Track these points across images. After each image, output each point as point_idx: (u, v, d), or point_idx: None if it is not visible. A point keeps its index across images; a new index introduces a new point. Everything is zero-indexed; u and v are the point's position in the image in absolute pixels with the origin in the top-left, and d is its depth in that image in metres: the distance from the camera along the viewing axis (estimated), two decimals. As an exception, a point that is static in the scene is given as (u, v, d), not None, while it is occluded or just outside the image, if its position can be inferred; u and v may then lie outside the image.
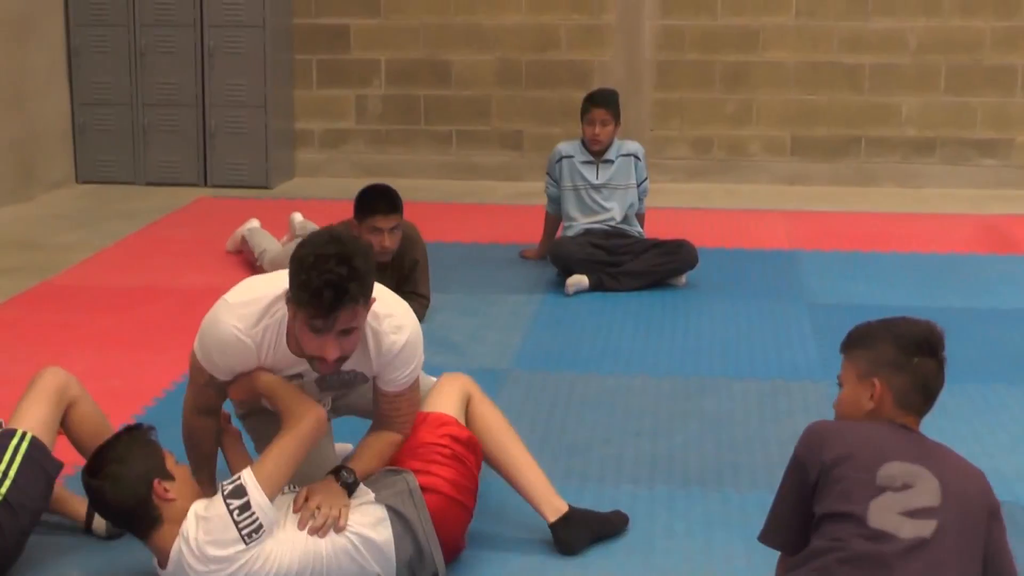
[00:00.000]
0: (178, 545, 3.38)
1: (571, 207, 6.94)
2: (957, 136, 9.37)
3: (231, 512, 3.35)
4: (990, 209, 8.69)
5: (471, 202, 8.93)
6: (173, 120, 9.29)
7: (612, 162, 6.92)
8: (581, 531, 3.90)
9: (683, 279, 6.81)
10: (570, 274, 6.72)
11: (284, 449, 3.48)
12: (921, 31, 9.24)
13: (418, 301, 6.04)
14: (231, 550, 3.34)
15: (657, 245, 6.82)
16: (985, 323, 6.17)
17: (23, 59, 8.72)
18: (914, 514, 2.90)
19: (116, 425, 4.69)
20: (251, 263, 7.01)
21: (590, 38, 9.46)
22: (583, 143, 6.96)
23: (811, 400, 5.19)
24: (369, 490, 3.60)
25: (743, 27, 9.35)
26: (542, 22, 9.47)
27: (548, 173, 7.06)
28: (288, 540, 3.43)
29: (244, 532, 3.34)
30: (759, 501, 4.24)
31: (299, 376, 3.65)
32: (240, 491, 3.38)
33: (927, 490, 2.93)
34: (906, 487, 2.93)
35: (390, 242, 5.78)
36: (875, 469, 2.95)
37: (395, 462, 3.72)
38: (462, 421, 3.83)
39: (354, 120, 9.64)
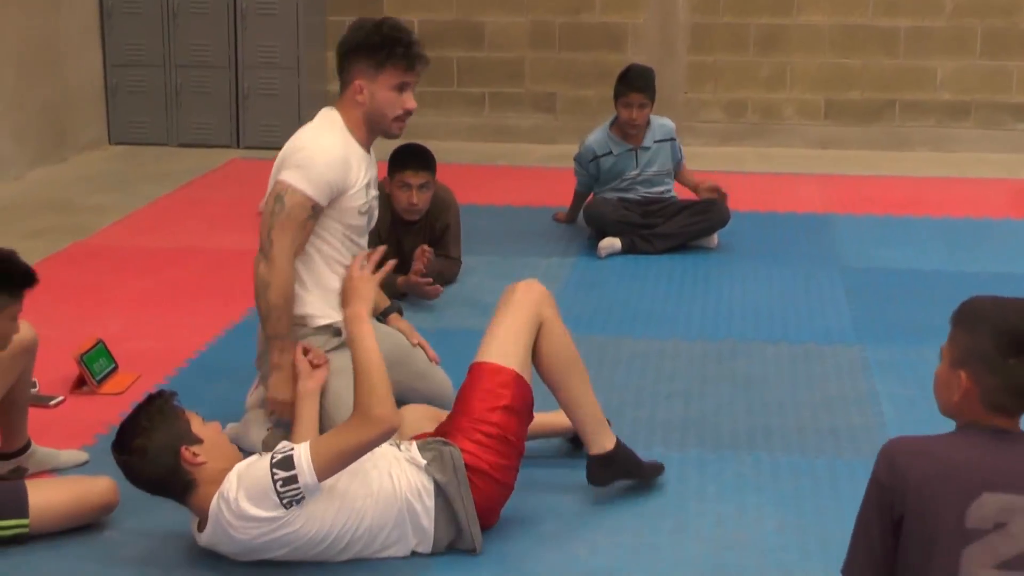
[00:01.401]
0: (216, 503, 3.38)
1: (609, 192, 6.88)
2: (992, 100, 9.29)
3: (275, 483, 3.33)
4: (1025, 174, 8.64)
5: (504, 164, 8.92)
6: (206, 82, 9.30)
7: (649, 149, 6.81)
8: (610, 470, 3.96)
9: (715, 240, 6.79)
10: (603, 236, 6.70)
11: (348, 441, 3.41)
12: (958, -6, 9.17)
13: (448, 263, 6.05)
14: (270, 513, 3.35)
15: (688, 206, 6.80)
16: (1020, 288, 6.13)
17: (56, 21, 8.73)
18: (1010, 564, 2.58)
19: (152, 383, 4.74)
20: (284, 225, 7.01)
21: (624, 0, 9.41)
22: (611, 131, 6.83)
23: (843, 364, 5.18)
24: (419, 454, 3.59)
25: (778, -11, 9.29)
26: (575, -16, 9.43)
27: (580, 164, 6.95)
28: (332, 500, 3.43)
29: (284, 501, 3.34)
30: (791, 465, 4.26)
31: (369, 184, 4.15)
32: (288, 463, 3.35)
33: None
34: (999, 527, 2.60)
35: (419, 199, 5.81)
36: (965, 508, 2.60)
37: (443, 428, 3.72)
38: (527, 363, 3.80)
39: (386, 82, 9.61)
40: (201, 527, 3.48)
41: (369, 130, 4.17)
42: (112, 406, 4.66)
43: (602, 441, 3.94)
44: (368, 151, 4.22)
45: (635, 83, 6.72)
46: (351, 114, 4.14)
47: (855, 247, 6.87)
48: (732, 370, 5.11)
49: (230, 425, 4.31)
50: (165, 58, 9.28)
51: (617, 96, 6.74)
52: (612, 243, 6.67)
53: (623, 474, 3.99)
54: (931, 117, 9.36)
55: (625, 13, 9.43)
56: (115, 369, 4.94)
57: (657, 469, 4.08)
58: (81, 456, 4.22)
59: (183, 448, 3.41)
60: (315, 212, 4.06)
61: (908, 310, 5.81)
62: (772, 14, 9.32)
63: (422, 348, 4.56)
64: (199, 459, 3.42)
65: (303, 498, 3.35)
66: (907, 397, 4.76)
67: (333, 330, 4.20)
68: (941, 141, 9.35)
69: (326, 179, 4.03)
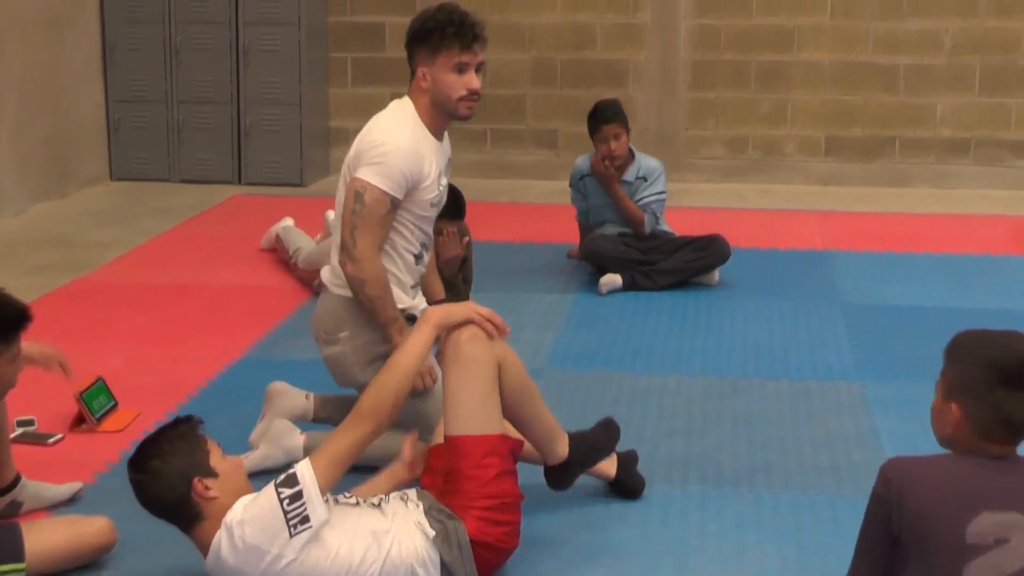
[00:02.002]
0: (219, 534, 3.35)
1: (604, 215, 6.90)
2: (991, 137, 9.32)
3: (281, 501, 3.30)
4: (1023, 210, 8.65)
5: (505, 201, 8.93)
6: (208, 117, 9.33)
7: (630, 184, 6.78)
8: (569, 473, 4.01)
9: (716, 276, 6.80)
10: (604, 272, 6.71)
11: (342, 442, 3.44)
12: (956, 31, 9.20)
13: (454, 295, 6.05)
14: (272, 541, 3.30)
15: (689, 242, 6.80)
16: (1018, 324, 6.09)
17: (58, 56, 8.77)
18: None
19: (153, 420, 4.73)
20: (285, 261, 7.03)
21: (625, 37, 9.45)
22: (592, 166, 6.81)
23: (844, 401, 5.17)
24: (427, 521, 3.53)
25: (778, 27, 9.32)
26: (577, 21, 9.46)
27: (572, 187, 7.00)
28: (337, 559, 3.38)
29: (291, 522, 3.29)
30: (792, 502, 4.25)
31: (441, 174, 4.25)
32: (292, 480, 3.33)
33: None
34: (1000, 543, 2.65)
35: (457, 249, 5.66)
36: (964, 526, 2.66)
37: (446, 498, 3.64)
38: (500, 415, 3.72)
39: (388, 118, 9.64)
40: (205, 556, 3.44)
41: (439, 116, 4.24)
42: (111, 444, 4.66)
43: (557, 451, 3.97)
44: (440, 139, 4.30)
45: (604, 115, 6.71)
46: (420, 102, 4.22)
47: (856, 283, 6.87)
48: (733, 407, 5.11)
49: (250, 453, 4.32)
50: (167, 94, 9.32)
51: (592, 134, 6.75)
52: (613, 279, 6.67)
53: (581, 470, 4.04)
54: (931, 154, 9.38)
55: (627, 50, 9.46)
56: (115, 407, 4.93)
57: (611, 432, 4.13)
58: (75, 486, 4.20)
59: (196, 480, 3.37)
60: (394, 207, 4.15)
61: (908, 346, 5.80)
62: (773, 51, 9.35)
63: None
64: (210, 493, 3.38)
65: (307, 518, 3.30)
66: (908, 433, 4.75)
67: (405, 315, 4.26)
68: (941, 178, 9.37)
69: (402, 173, 4.11)
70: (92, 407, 4.81)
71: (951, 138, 9.35)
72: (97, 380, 4.91)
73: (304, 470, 3.34)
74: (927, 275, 7.04)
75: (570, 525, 3.96)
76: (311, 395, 4.67)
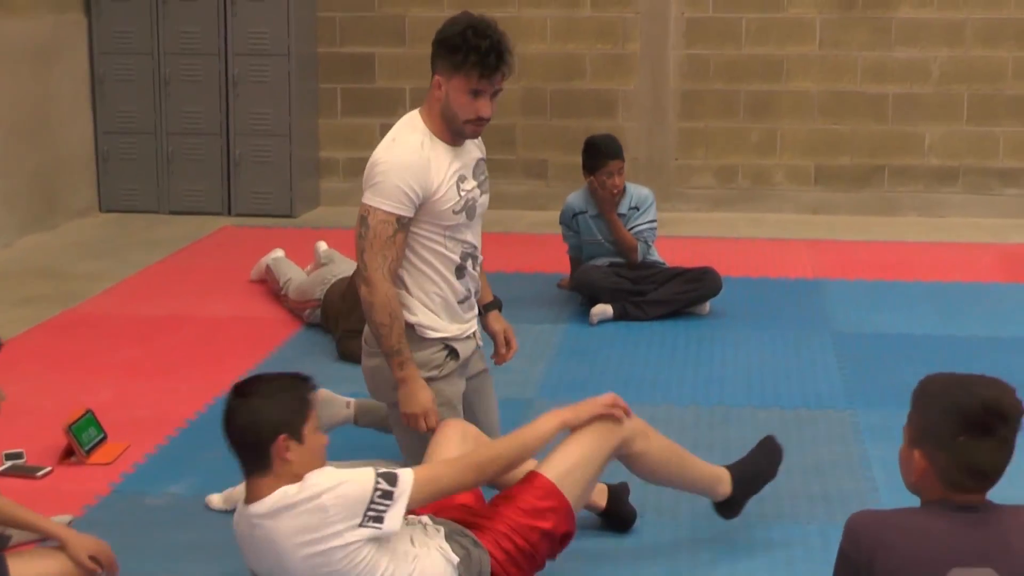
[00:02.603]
0: (288, 489, 3.31)
1: (594, 251, 6.91)
2: (979, 165, 9.35)
3: (375, 490, 3.29)
4: (1012, 238, 8.66)
5: (496, 231, 8.90)
6: (197, 149, 9.33)
7: (624, 215, 6.82)
8: (736, 506, 4.14)
9: (707, 307, 6.80)
10: (595, 302, 6.71)
11: (448, 478, 3.46)
12: (944, 61, 9.23)
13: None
14: (342, 518, 3.26)
15: (681, 273, 6.81)
16: (1009, 352, 6.15)
17: (47, 87, 8.78)
18: None
19: (142, 453, 4.72)
20: (275, 292, 7.02)
21: (615, 67, 9.48)
22: (590, 193, 6.86)
23: (835, 429, 5.18)
24: (449, 546, 3.51)
25: (767, 56, 9.36)
26: (567, 51, 9.49)
27: (564, 224, 7.02)
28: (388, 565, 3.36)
29: (368, 513, 3.27)
30: (783, 531, 4.25)
31: (461, 178, 4.22)
32: (393, 479, 3.32)
33: None
34: None
35: None
36: None
37: (479, 519, 3.65)
38: (583, 499, 3.79)
39: (378, 149, 9.65)
40: (249, 501, 3.39)
41: (447, 126, 4.21)
42: (101, 477, 4.64)
43: (720, 491, 4.09)
44: (456, 144, 4.25)
45: (610, 151, 6.75)
46: (433, 108, 4.20)
47: (846, 312, 6.88)
48: (725, 435, 5.10)
49: None
50: (156, 125, 9.32)
51: (593, 170, 6.75)
52: (604, 310, 6.67)
53: (747, 498, 4.16)
54: (920, 182, 9.40)
55: (616, 80, 9.49)
56: (104, 439, 4.92)
57: (771, 453, 4.22)
58: (64, 519, 4.18)
59: (283, 436, 3.32)
60: (401, 224, 4.10)
61: (899, 374, 5.80)
62: (762, 80, 9.38)
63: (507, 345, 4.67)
64: (288, 455, 3.33)
65: (381, 519, 3.28)
66: (897, 461, 4.73)
67: (444, 346, 4.24)
68: (930, 206, 9.39)
69: (402, 190, 4.07)
70: (81, 440, 4.80)
71: (940, 166, 9.38)
72: (86, 412, 4.90)
73: (407, 480, 3.34)
74: (917, 303, 7.05)
75: (562, 556, 3.94)
76: (351, 402, 4.71)
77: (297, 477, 3.33)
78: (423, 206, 4.13)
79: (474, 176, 4.33)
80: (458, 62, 4.07)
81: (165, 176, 9.39)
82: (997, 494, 2.77)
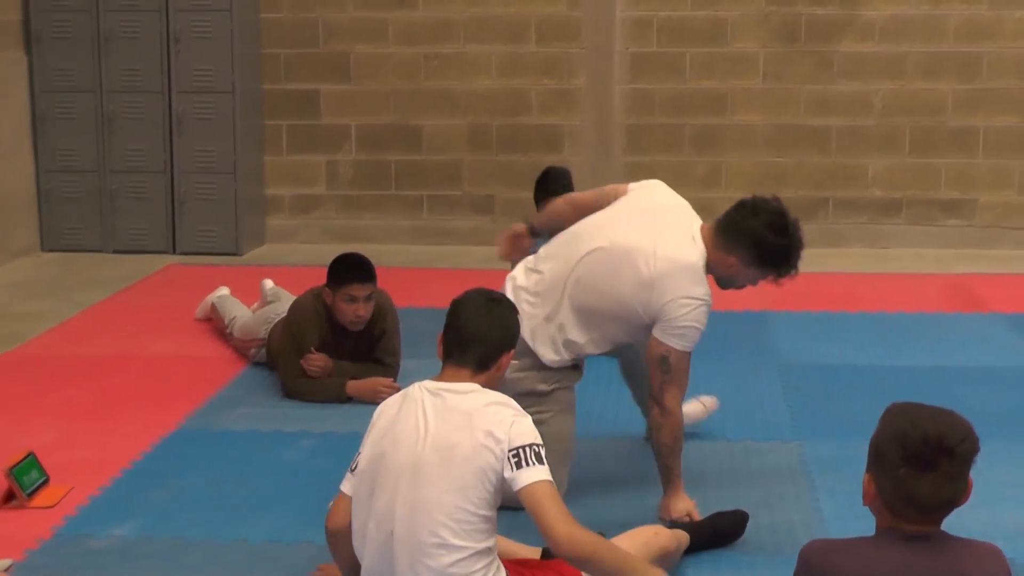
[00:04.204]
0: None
1: None
2: (922, 197, 9.43)
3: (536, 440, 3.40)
4: (955, 268, 8.74)
5: (443, 267, 8.93)
6: (141, 187, 9.28)
7: None
8: None
9: (654, 341, 6.81)
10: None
11: (552, 514, 3.37)
12: (886, 94, 9.33)
13: (384, 368, 6.05)
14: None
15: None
16: (953, 381, 6.18)
17: (-11, 127, 8.72)
18: None
19: (86, 495, 4.65)
20: (221, 331, 6.97)
21: (560, 102, 9.51)
22: None
23: (782, 460, 5.18)
24: None
25: (712, 90, 9.42)
26: (513, 87, 9.52)
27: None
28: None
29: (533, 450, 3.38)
30: (731, 562, 4.25)
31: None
32: (541, 457, 3.39)
33: None
34: None
35: (364, 311, 5.88)
36: None
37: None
38: None
39: (325, 186, 9.65)
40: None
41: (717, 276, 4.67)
42: (43, 520, 4.58)
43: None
44: None
45: (558, 185, 6.75)
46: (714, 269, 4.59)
47: (792, 344, 6.91)
48: (672, 469, 5.09)
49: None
50: (99, 163, 9.26)
51: (540, 200, 6.78)
52: (551, 343, 6.65)
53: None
54: (864, 214, 9.48)
55: (562, 115, 9.52)
56: (46, 482, 4.85)
57: (740, 523, 4.38)
58: (4, 563, 4.12)
59: (513, 350, 3.65)
60: None
61: (845, 405, 5.83)
62: (707, 114, 9.44)
63: None
64: (505, 368, 3.64)
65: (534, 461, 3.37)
66: (845, 492, 4.75)
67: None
68: (874, 237, 9.46)
69: (702, 332, 4.58)
70: (22, 483, 4.73)
71: (883, 198, 9.45)
72: (28, 455, 4.83)
73: (543, 463, 3.40)
74: (862, 334, 7.08)
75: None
76: None
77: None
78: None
79: None
80: (768, 267, 4.54)
81: (109, 214, 9.32)
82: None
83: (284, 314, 6.29)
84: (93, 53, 9.14)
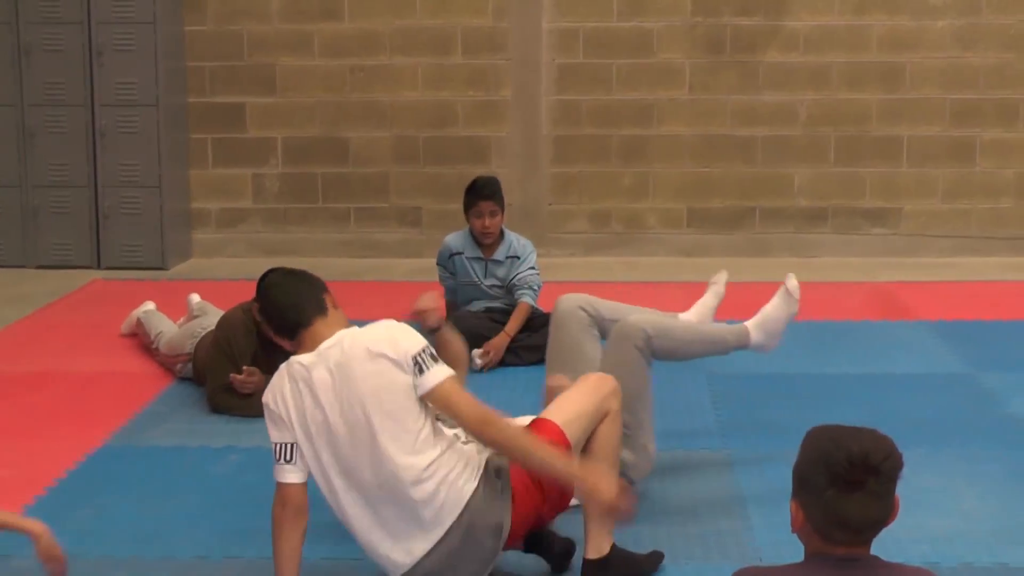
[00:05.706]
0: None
1: (470, 295, 6.93)
2: (847, 206, 9.53)
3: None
4: (881, 277, 8.82)
5: (371, 279, 8.89)
6: (64, 201, 9.17)
7: (501, 264, 6.88)
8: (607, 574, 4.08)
9: (583, 352, 6.82)
10: (472, 347, 6.69)
11: (468, 409, 3.75)
12: (811, 103, 9.41)
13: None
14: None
15: (555, 318, 6.82)
16: (879, 388, 6.24)
17: (-90, 142, 8.57)
18: None
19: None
20: (146, 346, 6.90)
21: (487, 114, 9.52)
22: (472, 235, 6.91)
23: (710, 469, 5.20)
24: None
25: (638, 101, 9.46)
26: (439, 99, 9.51)
27: (440, 264, 7.03)
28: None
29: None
30: (660, 572, 4.24)
31: None
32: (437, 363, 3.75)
33: None
34: None
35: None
36: None
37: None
38: (578, 448, 3.96)
39: (251, 199, 9.59)
40: None
41: None
42: (-36, 538, 4.50)
43: (599, 543, 4.06)
44: None
45: (483, 192, 6.82)
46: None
47: (720, 352, 6.93)
48: (601, 479, 5.09)
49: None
50: (21, 178, 9.14)
51: (467, 207, 6.82)
52: (482, 354, 6.66)
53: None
54: (790, 223, 9.55)
55: (489, 126, 9.52)
56: (-32, 499, 4.78)
57: (657, 558, 4.24)
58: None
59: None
60: None
61: (772, 413, 5.86)
62: (633, 125, 9.48)
63: None
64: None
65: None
66: (772, 500, 4.77)
67: None
68: (801, 246, 9.54)
69: None
70: (-57, 502, 4.65)
71: (809, 207, 9.53)
72: (-51, 474, 4.75)
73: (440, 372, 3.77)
74: (789, 342, 7.04)
75: None
76: None
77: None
78: None
79: None
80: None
81: (31, 230, 9.20)
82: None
83: (210, 328, 6.23)
84: (13, 66, 9.02)
